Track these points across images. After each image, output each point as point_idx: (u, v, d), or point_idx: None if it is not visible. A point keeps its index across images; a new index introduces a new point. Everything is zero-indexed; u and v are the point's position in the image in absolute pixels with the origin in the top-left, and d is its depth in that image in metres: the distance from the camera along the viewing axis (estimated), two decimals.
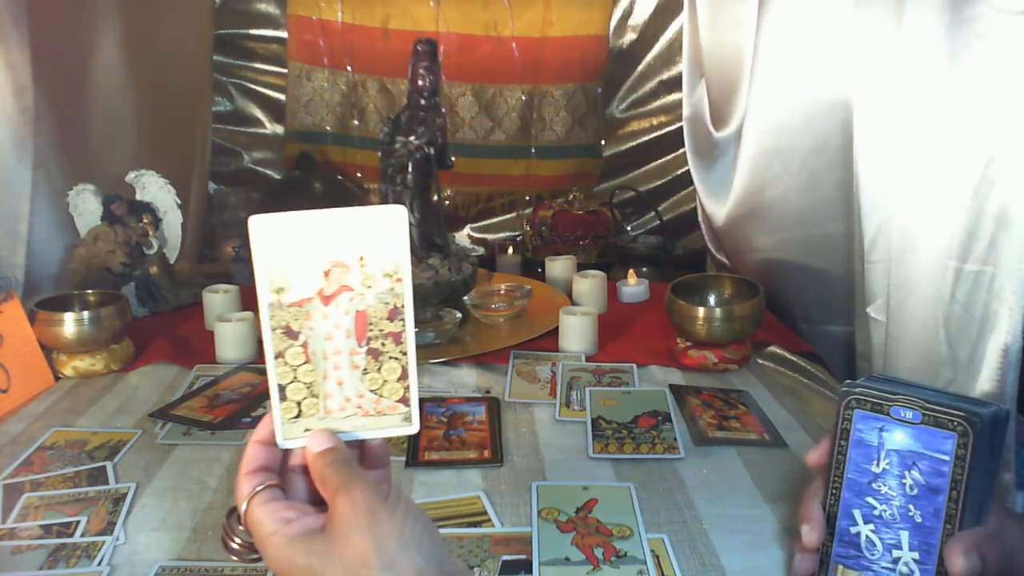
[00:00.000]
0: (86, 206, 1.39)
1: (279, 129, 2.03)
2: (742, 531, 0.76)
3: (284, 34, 1.97)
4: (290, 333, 0.51)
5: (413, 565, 0.46)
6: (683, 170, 1.88)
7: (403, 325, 0.52)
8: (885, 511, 0.58)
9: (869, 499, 0.59)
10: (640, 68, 2.00)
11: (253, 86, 2.02)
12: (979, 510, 0.56)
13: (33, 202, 1.30)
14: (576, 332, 1.22)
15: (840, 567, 0.60)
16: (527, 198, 2.04)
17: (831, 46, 1.12)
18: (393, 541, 0.46)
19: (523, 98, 1.98)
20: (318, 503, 0.51)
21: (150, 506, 0.82)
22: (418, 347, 1.21)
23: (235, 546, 0.54)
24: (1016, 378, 0.82)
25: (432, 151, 1.31)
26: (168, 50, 1.71)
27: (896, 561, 0.58)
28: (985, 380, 0.84)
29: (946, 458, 0.55)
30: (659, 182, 2.01)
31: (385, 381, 0.53)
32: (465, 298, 1.34)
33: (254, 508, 0.50)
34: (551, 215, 1.83)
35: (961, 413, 0.55)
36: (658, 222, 1.91)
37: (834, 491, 0.61)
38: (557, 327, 1.25)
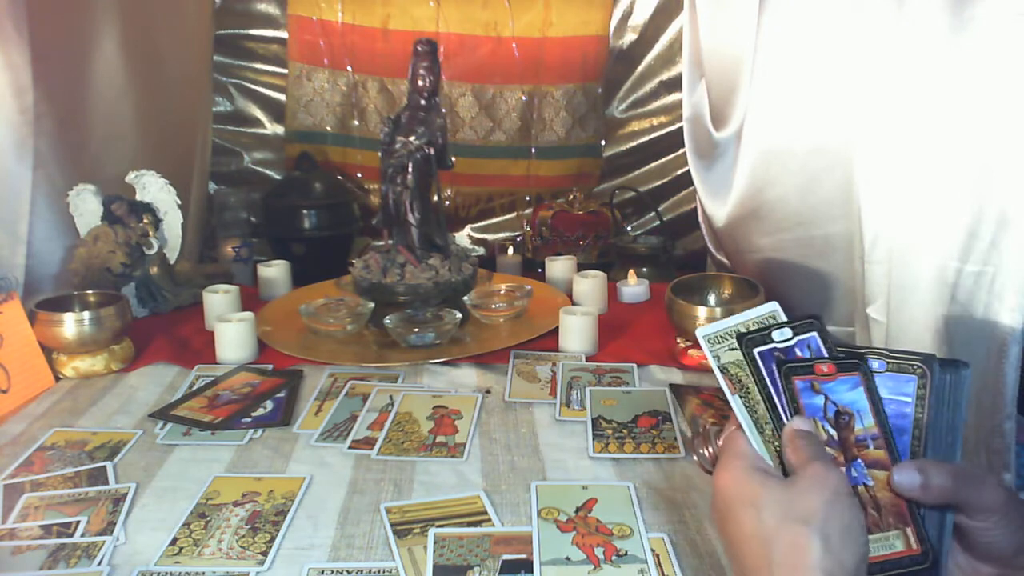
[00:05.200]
0: (86, 206, 1.39)
1: (279, 129, 2.03)
2: None
3: (284, 34, 1.97)
4: None
5: (841, 558, 0.50)
6: (683, 170, 1.88)
7: None
8: None
9: None
10: (640, 68, 2.00)
11: (253, 86, 2.02)
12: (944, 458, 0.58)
13: (33, 202, 1.30)
14: (576, 332, 1.22)
15: None
16: (527, 198, 2.04)
17: (831, 46, 1.12)
18: (839, 525, 0.51)
19: (523, 98, 1.98)
20: None
21: (150, 506, 0.82)
22: (418, 347, 1.22)
23: (706, 454, 0.64)
24: (1016, 378, 0.82)
25: (432, 151, 1.31)
26: (168, 50, 1.71)
27: None
28: (985, 380, 0.84)
29: (908, 399, 0.59)
30: (659, 182, 2.01)
31: None
32: (465, 298, 1.34)
33: (736, 434, 0.58)
34: (551, 215, 1.83)
35: (919, 357, 0.59)
36: (658, 222, 1.91)
37: None
38: (557, 327, 1.25)
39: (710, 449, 0.61)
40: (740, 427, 0.58)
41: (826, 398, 0.60)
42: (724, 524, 0.55)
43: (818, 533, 0.50)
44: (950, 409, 0.58)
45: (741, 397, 0.58)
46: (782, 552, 0.50)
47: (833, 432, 0.59)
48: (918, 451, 0.58)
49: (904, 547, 0.57)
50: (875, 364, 0.60)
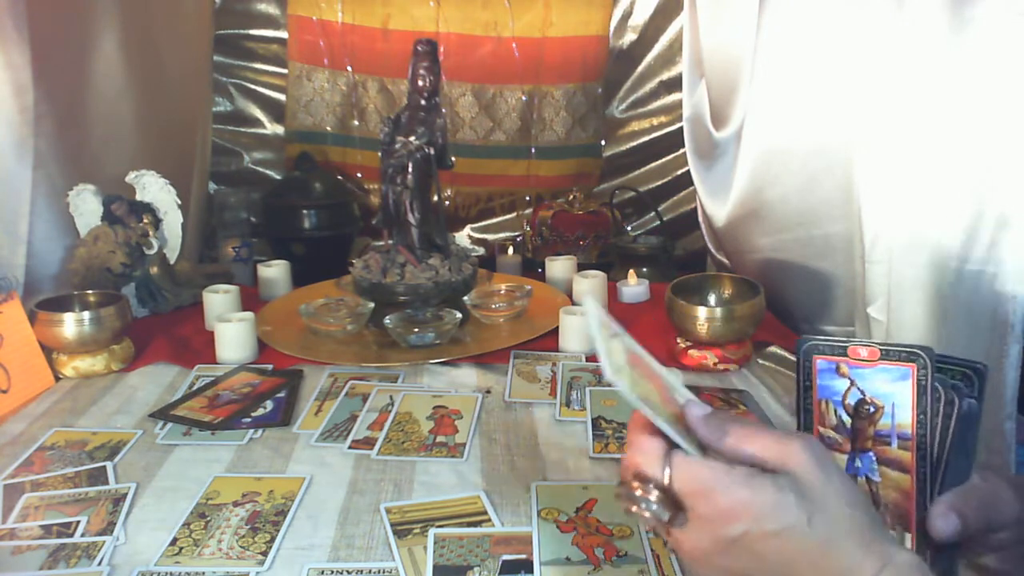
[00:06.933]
0: (86, 206, 1.39)
1: (279, 129, 2.03)
2: None
3: (284, 34, 1.97)
4: None
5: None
6: (683, 170, 1.88)
7: None
8: None
9: None
10: (640, 68, 2.00)
11: (253, 86, 2.02)
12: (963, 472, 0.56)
13: (33, 202, 1.30)
14: (576, 332, 1.22)
15: None
16: (527, 198, 2.04)
17: (831, 46, 1.12)
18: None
19: (523, 98, 1.98)
20: None
21: (150, 506, 0.82)
22: (418, 347, 1.22)
23: (653, 500, 0.50)
24: (1016, 378, 0.82)
25: (432, 151, 1.31)
26: (168, 50, 1.71)
27: None
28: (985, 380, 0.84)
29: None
30: (659, 182, 2.01)
31: None
32: (465, 298, 1.34)
33: (683, 463, 0.50)
34: (551, 215, 1.83)
35: (945, 383, 0.55)
36: (658, 222, 1.91)
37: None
38: (557, 327, 1.25)
39: (652, 497, 0.50)
40: (673, 449, 0.51)
41: (851, 383, 0.57)
42: (765, 543, 0.47)
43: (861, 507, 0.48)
44: (968, 443, 0.55)
45: (660, 417, 0.51)
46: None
47: (846, 418, 0.57)
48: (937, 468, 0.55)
49: None
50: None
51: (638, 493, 0.50)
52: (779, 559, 0.47)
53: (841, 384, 0.57)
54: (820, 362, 0.58)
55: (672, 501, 0.50)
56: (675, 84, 1.89)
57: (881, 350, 0.55)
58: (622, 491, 0.52)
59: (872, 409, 0.56)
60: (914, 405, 0.55)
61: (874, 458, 0.57)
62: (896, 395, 0.55)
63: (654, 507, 0.50)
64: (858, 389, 0.57)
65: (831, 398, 0.58)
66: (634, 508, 0.50)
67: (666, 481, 0.50)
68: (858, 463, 0.57)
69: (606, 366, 0.51)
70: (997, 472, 0.59)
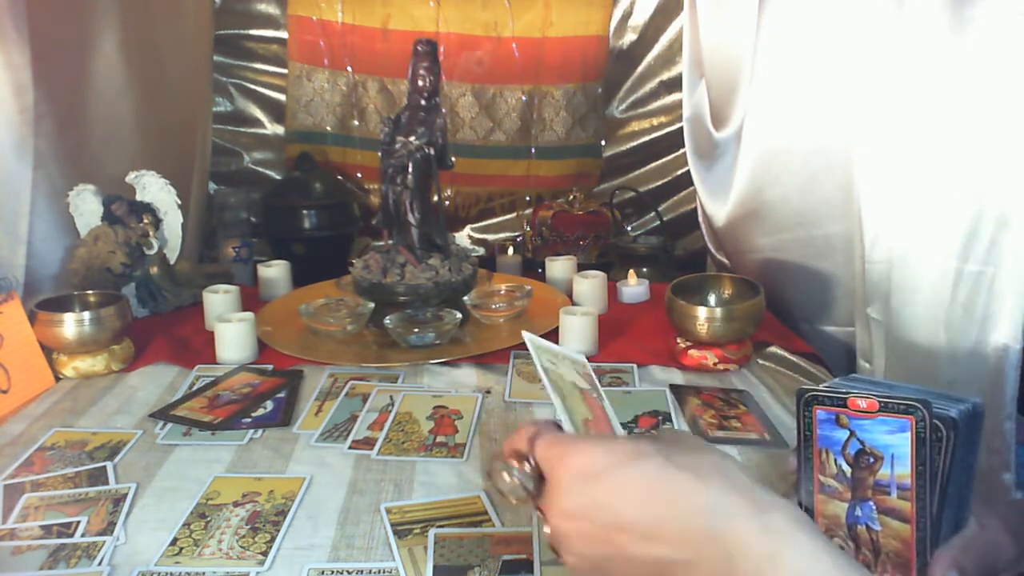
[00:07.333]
0: (86, 206, 1.39)
1: (279, 129, 2.03)
2: None
3: (284, 34, 1.97)
4: None
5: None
6: (683, 170, 1.88)
7: None
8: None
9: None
10: (640, 68, 2.00)
11: (253, 86, 2.02)
12: (959, 504, 0.56)
13: (33, 202, 1.30)
14: (576, 332, 1.22)
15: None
16: (527, 198, 2.04)
17: (831, 46, 1.12)
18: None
19: (523, 98, 1.98)
20: None
21: (150, 506, 0.82)
22: (418, 347, 1.22)
23: (518, 469, 0.54)
24: (1016, 378, 0.82)
25: (432, 151, 1.31)
26: (168, 50, 1.71)
27: None
28: (985, 380, 0.84)
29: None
30: (659, 182, 2.01)
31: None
32: (465, 298, 1.34)
33: (546, 435, 0.54)
34: (551, 215, 1.83)
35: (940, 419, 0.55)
36: (658, 222, 1.91)
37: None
38: (557, 327, 1.25)
39: (528, 464, 0.54)
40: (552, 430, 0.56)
41: (851, 433, 0.57)
42: (624, 486, 0.49)
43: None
44: (967, 451, 0.56)
45: (562, 400, 0.58)
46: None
47: (846, 468, 0.58)
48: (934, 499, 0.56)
49: None
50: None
51: (508, 462, 0.54)
52: (638, 499, 0.47)
53: (841, 434, 0.58)
54: (820, 412, 0.59)
55: (539, 475, 0.54)
56: (675, 84, 1.88)
57: (880, 402, 0.56)
58: (494, 465, 0.55)
59: (872, 460, 0.57)
60: (913, 457, 0.55)
61: (874, 507, 0.57)
62: (895, 446, 0.56)
63: (516, 473, 0.54)
64: (858, 440, 0.57)
65: (831, 447, 0.59)
66: (502, 476, 0.54)
67: (530, 452, 0.54)
68: (858, 512, 0.57)
69: (535, 344, 0.59)
70: (993, 510, 0.59)
